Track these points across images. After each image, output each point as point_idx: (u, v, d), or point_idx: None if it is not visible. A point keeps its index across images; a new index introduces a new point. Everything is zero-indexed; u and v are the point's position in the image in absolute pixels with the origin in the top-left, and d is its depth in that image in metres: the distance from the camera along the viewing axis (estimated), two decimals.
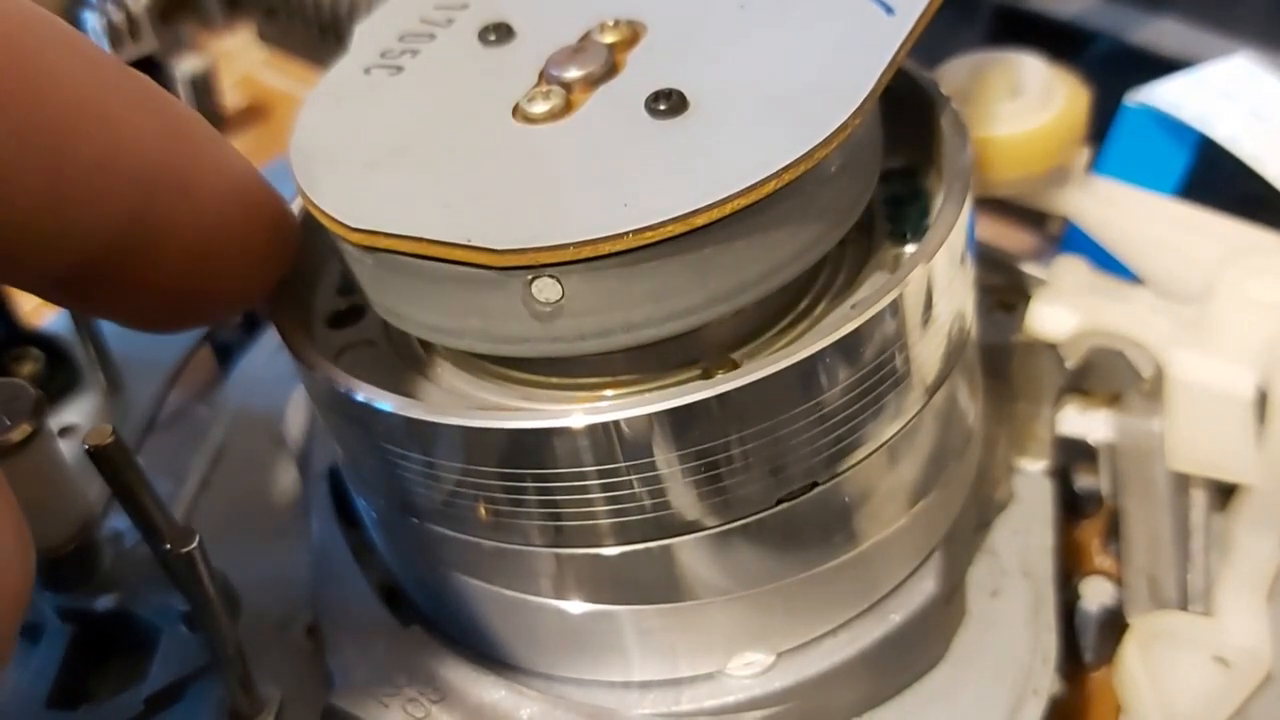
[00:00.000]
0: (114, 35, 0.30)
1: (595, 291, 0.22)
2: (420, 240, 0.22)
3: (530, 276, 0.22)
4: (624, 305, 0.22)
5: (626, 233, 0.21)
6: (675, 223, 0.21)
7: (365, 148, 0.24)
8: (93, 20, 0.30)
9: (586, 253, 0.21)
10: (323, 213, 0.23)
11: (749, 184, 0.21)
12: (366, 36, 0.27)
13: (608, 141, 0.23)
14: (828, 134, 0.22)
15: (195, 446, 0.33)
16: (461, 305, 0.23)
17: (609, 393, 0.25)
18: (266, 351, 0.35)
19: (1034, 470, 0.31)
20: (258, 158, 0.36)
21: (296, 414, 0.32)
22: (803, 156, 0.21)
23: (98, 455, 0.23)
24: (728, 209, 0.21)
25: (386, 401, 0.23)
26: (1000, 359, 0.32)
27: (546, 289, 0.22)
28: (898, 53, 0.23)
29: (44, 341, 0.34)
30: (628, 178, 0.22)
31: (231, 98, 0.49)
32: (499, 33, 0.26)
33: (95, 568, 0.27)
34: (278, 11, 0.50)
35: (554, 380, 0.25)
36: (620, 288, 0.22)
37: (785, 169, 0.21)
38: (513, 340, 0.23)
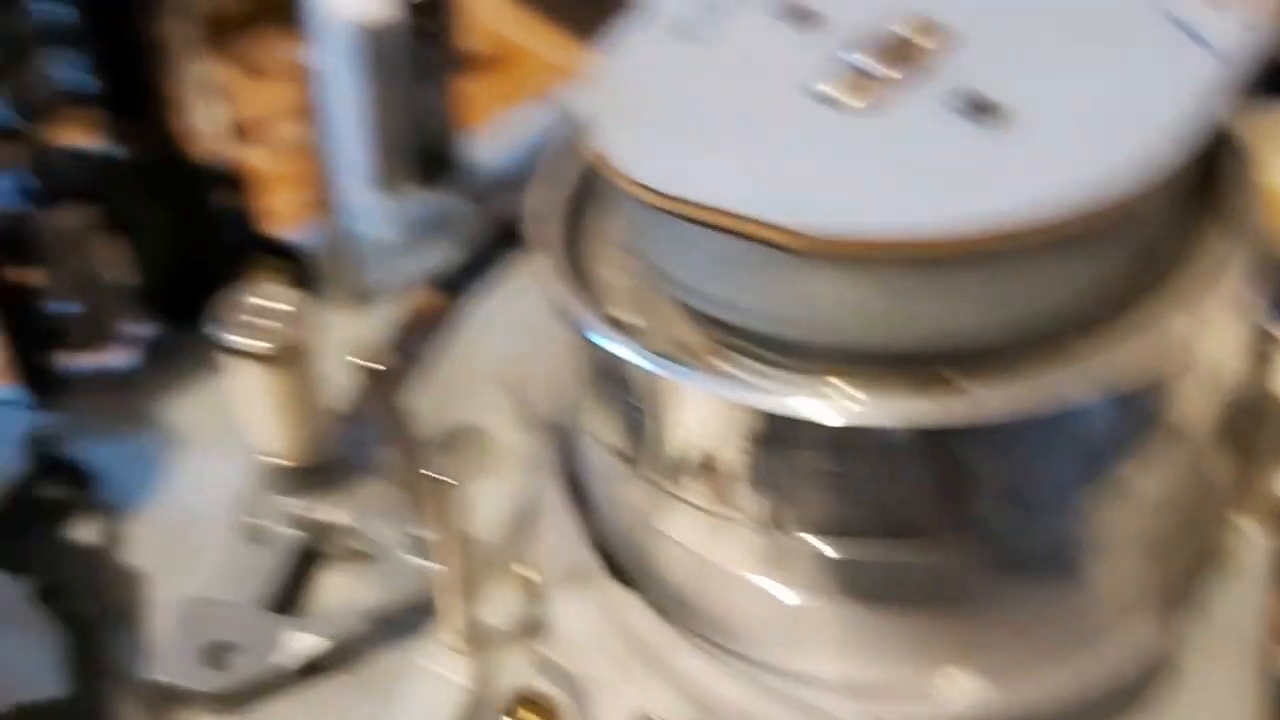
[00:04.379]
0: None
1: (892, 289, 0.22)
2: (727, 214, 0.22)
3: (832, 264, 0.22)
4: (915, 307, 0.22)
5: (940, 237, 0.21)
6: (989, 235, 0.21)
7: (665, 113, 0.24)
8: None
9: (897, 251, 0.21)
10: (622, 174, 0.23)
11: (1070, 208, 0.21)
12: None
13: (920, 141, 0.23)
14: (1156, 170, 0.21)
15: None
16: (748, 281, 0.23)
17: (834, 379, 0.25)
18: (498, 297, 0.35)
19: (1257, 530, 0.30)
20: (490, 104, 0.36)
21: (527, 362, 0.33)
22: (1130, 189, 0.21)
23: (371, 376, 0.24)
24: (1045, 230, 0.21)
25: (647, 361, 0.24)
26: (1238, 411, 0.31)
27: (845, 279, 0.22)
28: (1226, 94, 0.23)
29: (288, 251, 0.35)
30: (942, 181, 0.22)
31: (471, 42, 0.50)
32: (804, 15, 0.26)
33: (328, 480, 0.28)
34: None
35: (782, 359, 0.25)
36: (918, 290, 0.22)
37: (1109, 199, 0.21)
38: (793, 323, 0.23)
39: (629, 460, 0.26)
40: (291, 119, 0.45)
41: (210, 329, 0.25)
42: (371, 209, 0.36)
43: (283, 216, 0.37)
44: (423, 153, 0.35)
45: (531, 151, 0.38)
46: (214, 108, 0.34)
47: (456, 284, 0.37)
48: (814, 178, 0.22)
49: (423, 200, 0.36)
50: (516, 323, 0.34)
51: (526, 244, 0.27)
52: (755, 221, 0.21)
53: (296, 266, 0.34)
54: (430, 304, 0.36)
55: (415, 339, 0.34)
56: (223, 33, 0.47)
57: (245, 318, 0.25)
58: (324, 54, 0.32)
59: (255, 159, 0.44)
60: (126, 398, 0.32)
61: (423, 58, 0.33)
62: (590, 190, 0.28)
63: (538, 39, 0.50)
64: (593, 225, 0.29)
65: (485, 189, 0.37)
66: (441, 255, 0.36)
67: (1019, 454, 0.23)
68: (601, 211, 0.29)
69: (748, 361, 0.25)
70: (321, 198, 0.33)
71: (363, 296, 0.34)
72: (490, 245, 0.37)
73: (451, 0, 0.33)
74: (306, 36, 0.47)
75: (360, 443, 0.30)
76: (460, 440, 0.31)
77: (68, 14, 0.28)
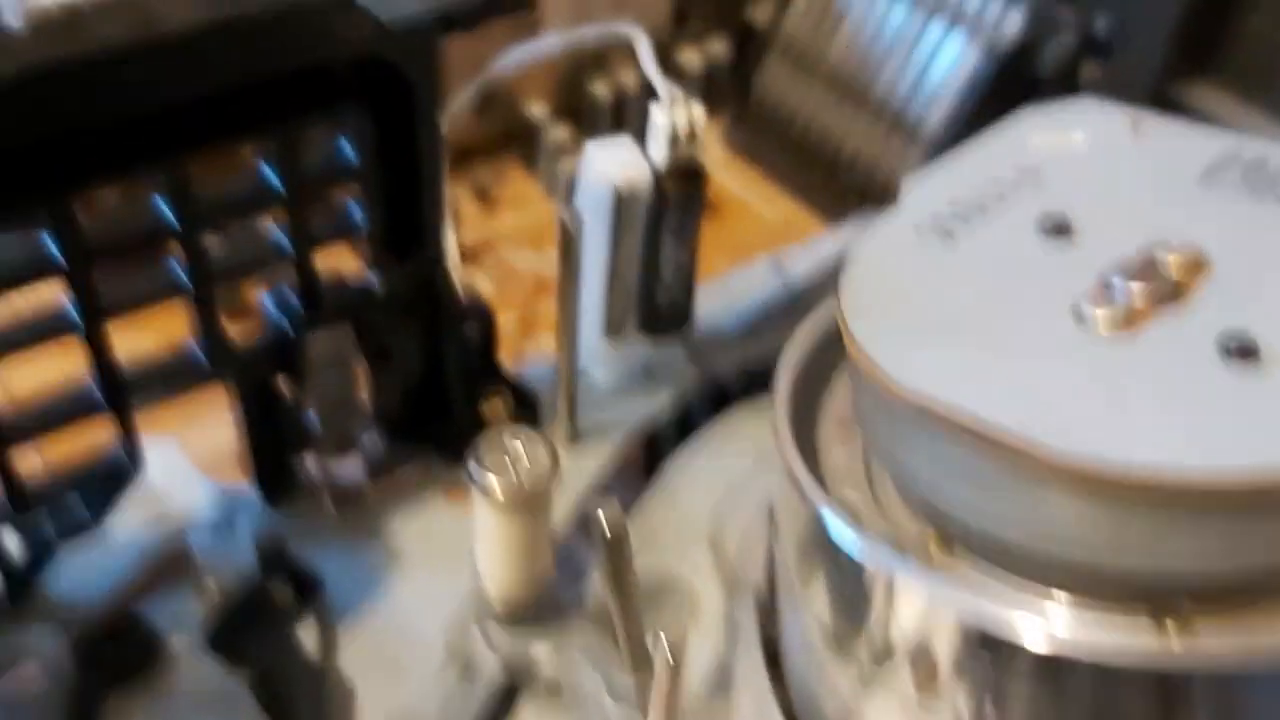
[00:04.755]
0: (674, 137, 0.33)
1: (1132, 520, 0.22)
2: (979, 425, 0.22)
3: (1078, 488, 0.22)
4: (1152, 539, 0.22)
5: (1195, 475, 0.21)
6: (1245, 479, 0.21)
7: (917, 310, 0.25)
8: (659, 116, 0.33)
9: (1148, 481, 0.21)
10: (880, 371, 0.24)
11: None
12: (917, 194, 0.28)
13: (1175, 372, 0.23)
14: None
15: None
16: (987, 489, 0.23)
17: (1058, 592, 0.25)
18: (702, 451, 0.36)
19: None
20: (707, 254, 0.38)
21: (731, 525, 0.33)
22: None
23: (607, 531, 0.25)
24: None
25: (879, 556, 0.24)
26: None
27: (1087, 504, 0.22)
28: None
29: (513, 384, 0.36)
30: (1197, 417, 0.22)
31: None
32: (1058, 226, 0.27)
33: (539, 616, 0.29)
34: (749, 121, 0.52)
35: (1008, 563, 0.25)
36: (1158, 524, 0.22)
37: None
38: (1025, 535, 0.23)
39: (837, 639, 0.26)
40: (515, 246, 0.48)
41: (467, 466, 0.27)
42: (596, 353, 0.37)
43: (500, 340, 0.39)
44: (656, 305, 0.36)
45: (750, 313, 0.40)
46: (450, 232, 0.36)
47: (664, 435, 0.38)
48: (1069, 399, 0.23)
49: (643, 349, 0.38)
50: (719, 478, 0.35)
51: (774, 423, 0.27)
52: (1008, 436, 0.22)
53: (524, 402, 0.36)
54: (638, 453, 0.37)
55: (623, 486, 0.35)
56: (458, 160, 0.49)
57: (501, 463, 0.26)
58: (580, 207, 0.34)
59: (478, 282, 0.46)
60: (353, 509, 0.34)
61: (672, 219, 0.34)
62: (818, 364, 0.29)
63: (755, 193, 0.51)
64: (817, 398, 0.30)
65: (701, 344, 0.39)
66: (653, 405, 0.37)
67: (1239, 695, 0.23)
68: (827, 385, 0.30)
69: (972, 559, 0.26)
70: (556, 337, 0.34)
71: (574, 437, 0.36)
72: (700, 399, 0.38)
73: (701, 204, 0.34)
74: (542, 173, 0.50)
75: (571, 582, 0.31)
76: (663, 593, 0.32)
77: (355, 158, 0.30)
